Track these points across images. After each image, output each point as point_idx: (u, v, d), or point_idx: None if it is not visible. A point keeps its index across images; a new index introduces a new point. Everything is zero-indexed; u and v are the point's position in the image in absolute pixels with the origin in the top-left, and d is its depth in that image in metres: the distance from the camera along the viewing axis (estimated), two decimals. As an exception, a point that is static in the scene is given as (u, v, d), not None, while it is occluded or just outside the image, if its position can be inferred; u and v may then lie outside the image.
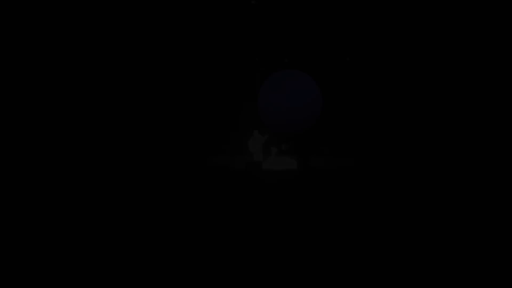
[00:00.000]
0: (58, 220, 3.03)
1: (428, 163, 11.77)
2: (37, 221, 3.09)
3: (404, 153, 13.05)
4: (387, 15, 12.20)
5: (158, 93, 15.06)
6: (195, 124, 15.52)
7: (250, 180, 7.01)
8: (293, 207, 3.71)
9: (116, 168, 12.52)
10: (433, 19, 11.69)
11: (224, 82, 15.41)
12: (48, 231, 2.82)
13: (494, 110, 12.15)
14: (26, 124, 12.25)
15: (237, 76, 15.90)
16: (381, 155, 13.85)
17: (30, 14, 11.43)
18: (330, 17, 12.66)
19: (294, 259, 2.52)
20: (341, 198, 4.31)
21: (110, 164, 13.17)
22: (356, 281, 2.41)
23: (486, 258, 2.53)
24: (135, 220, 3.09)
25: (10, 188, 5.54)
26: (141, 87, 14.23)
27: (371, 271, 2.43)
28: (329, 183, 6.25)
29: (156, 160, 14.05)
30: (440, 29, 12.17)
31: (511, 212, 3.16)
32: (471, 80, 12.44)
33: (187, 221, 3.15)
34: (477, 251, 2.54)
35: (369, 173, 11.17)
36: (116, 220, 3.16)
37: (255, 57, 15.47)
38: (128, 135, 14.62)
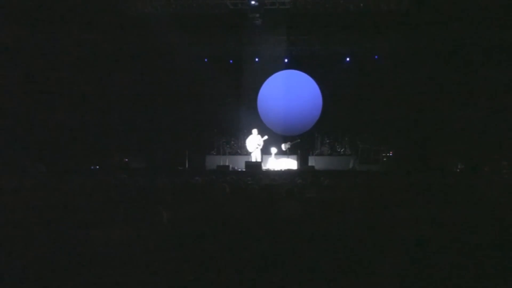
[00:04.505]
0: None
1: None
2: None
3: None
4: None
5: (159, 95, 15.06)
6: (194, 125, 15.50)
7: (250, 179, 7.03)
8: (293, 207, 3.71)
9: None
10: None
11: (224, 82, 15.43)
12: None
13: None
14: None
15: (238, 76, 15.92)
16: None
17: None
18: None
19: (294, 260, 2.51)
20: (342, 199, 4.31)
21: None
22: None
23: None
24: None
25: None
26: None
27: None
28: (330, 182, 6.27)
29: (155, 161, 14.05)
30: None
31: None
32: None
33: (186, 221, 3.15)
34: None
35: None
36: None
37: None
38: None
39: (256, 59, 14.73)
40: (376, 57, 14.10)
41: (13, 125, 12.12)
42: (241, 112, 14.57)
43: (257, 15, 11.91)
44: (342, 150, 13.76)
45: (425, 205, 4.05)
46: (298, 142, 13.36)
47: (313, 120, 14.78)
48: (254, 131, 12.93)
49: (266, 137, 12.83)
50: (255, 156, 12.78)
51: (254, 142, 12.82)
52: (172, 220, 3.10)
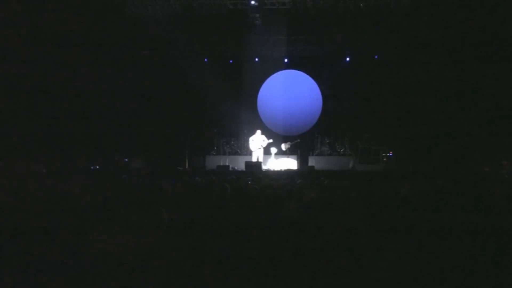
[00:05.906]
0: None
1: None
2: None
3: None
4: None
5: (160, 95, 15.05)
6: (194, 125, 15.49)
7: (251, 179, 7.02)
8: (293, 207, 3.71)
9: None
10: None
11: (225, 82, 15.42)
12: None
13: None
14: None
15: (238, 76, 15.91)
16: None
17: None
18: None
19: (294, 262, 2.51)
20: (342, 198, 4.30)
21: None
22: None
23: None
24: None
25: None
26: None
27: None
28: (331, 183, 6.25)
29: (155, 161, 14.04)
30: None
31: None
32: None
33: (187, 221, 3.15)
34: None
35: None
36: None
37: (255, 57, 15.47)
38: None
39: (256, 59, 14.72)
40: (376, 57, 14.10)
41: (13, 125, 12.12)
42: (241, 112, 14.56)
43: (257, 15, 11.91)
44: (342, 150, 13.75)
45: (427, 206, 4.04)
46: (298, 142, 13.36)
47: (313, 120, 14.77)
48: (258, 131, 12.91)
49: (271, 140, 12.80)
50: (257, 155, 12.75)
51: (257, 142, 12.80)
52: (172, 220, 3.10)
